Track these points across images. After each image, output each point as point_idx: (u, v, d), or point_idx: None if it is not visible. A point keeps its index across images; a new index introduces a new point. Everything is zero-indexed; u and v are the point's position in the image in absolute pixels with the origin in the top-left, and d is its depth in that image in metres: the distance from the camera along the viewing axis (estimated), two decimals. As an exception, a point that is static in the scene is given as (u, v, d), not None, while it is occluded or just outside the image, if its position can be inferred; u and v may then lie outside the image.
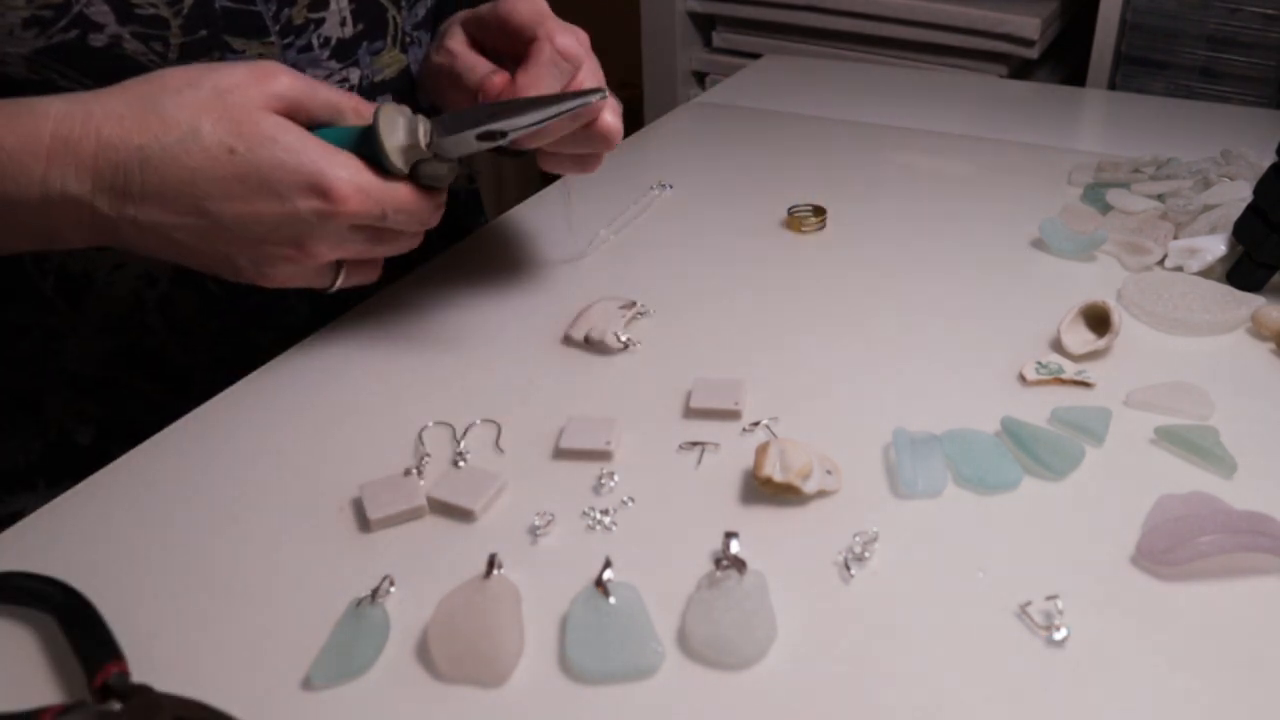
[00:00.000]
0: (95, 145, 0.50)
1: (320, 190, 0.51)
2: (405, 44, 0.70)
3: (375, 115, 0.53)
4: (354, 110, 0.55)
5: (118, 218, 0.51)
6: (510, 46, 0.61)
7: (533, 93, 0.57)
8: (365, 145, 0.53)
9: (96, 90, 0.51)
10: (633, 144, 0.96)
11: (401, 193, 0.54)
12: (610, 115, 0.60)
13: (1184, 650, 0.43)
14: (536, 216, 0.81)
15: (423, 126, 0.55)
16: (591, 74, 0.61)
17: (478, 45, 0.65)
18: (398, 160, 0.53)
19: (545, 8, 0.60)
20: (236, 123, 0.50)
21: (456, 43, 0.64)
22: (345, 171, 0.52)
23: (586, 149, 0.62)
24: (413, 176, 0.54)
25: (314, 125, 0.54)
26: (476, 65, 0.62)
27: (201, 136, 0.50)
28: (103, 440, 0.67)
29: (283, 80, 0.52)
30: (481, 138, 0.55)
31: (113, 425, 0.67)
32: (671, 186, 0.85)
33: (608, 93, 0.58)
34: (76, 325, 0.65)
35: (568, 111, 0.56)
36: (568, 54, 0.59)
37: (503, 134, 0.55)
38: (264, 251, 0.53)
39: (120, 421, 0.67)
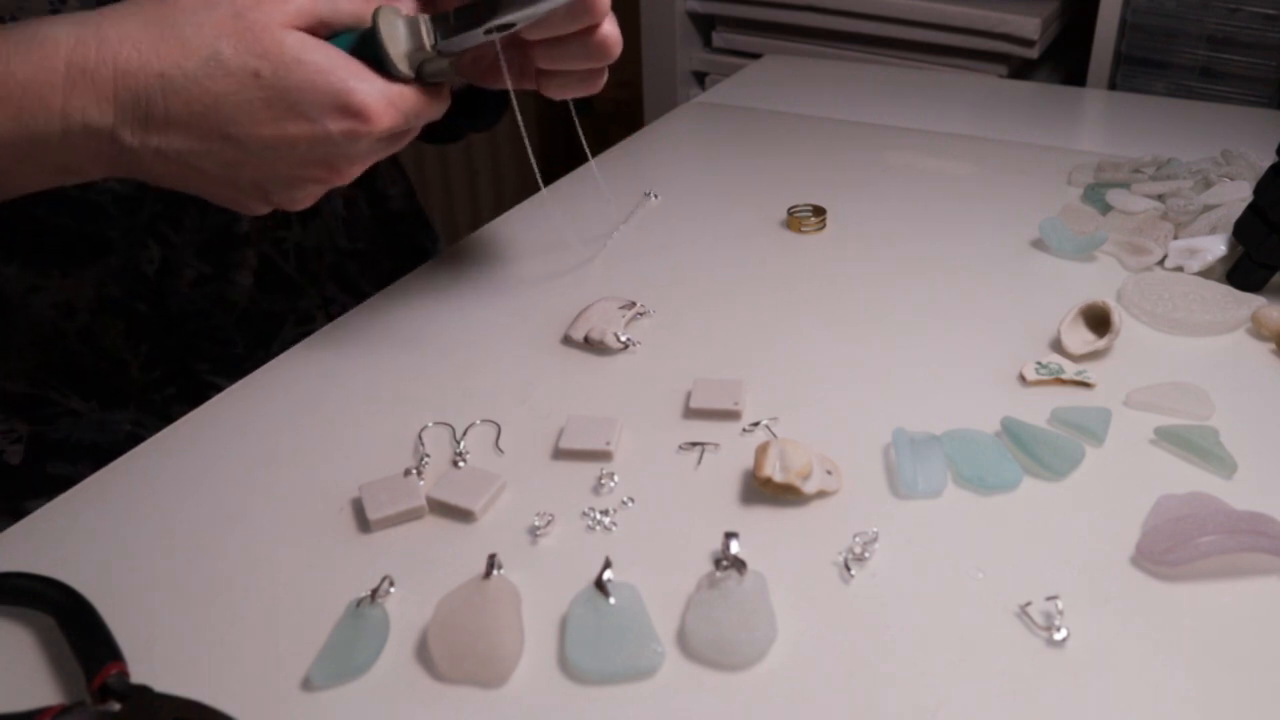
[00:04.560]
0: (113, 73, 0.48)
1: (351, 110, 0.50)
2: None
3: (374, 19, 0.51)
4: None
5: (141, 148, 0.49)
6: None
7: None
8: (365, 48, 0.51)
9: (105, 10, 0.49)
10: (632, 144, 0.96)
11: (420, 98, 0.53)
12: (609, 24, 0.57)
13: (1184, 650, 0.43)
14: (536, 216, 0.81)
15: (425, 26, 0.53)
16: (612, 27, 0.57)
17: None
18: (403, 66, 0.52)
19: None
20: (259, 44, 0.48)
21: None
22: (374, 87, 0.50)
23: (587, 63, 0.58)
24: (418, 75, 0.53)
25: (334, 35, 0.52)
26: None
27: (224, 61, 0.48)
28: (34, 459, 0.64)
29: None
30: (489, 32, 0.53)
31: (44, 443, 0.65)
32: (658, 195, 0.84)
33: None
34: (4, 339, 0.62)
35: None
36: None
37: (510, 25, 0.53)
38: (293, 175, 0.52)
39: (52, 439, 0.65)
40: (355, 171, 0.54)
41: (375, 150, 0.53)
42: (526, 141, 0.63)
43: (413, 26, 0.53)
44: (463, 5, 0.54)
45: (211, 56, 0.48)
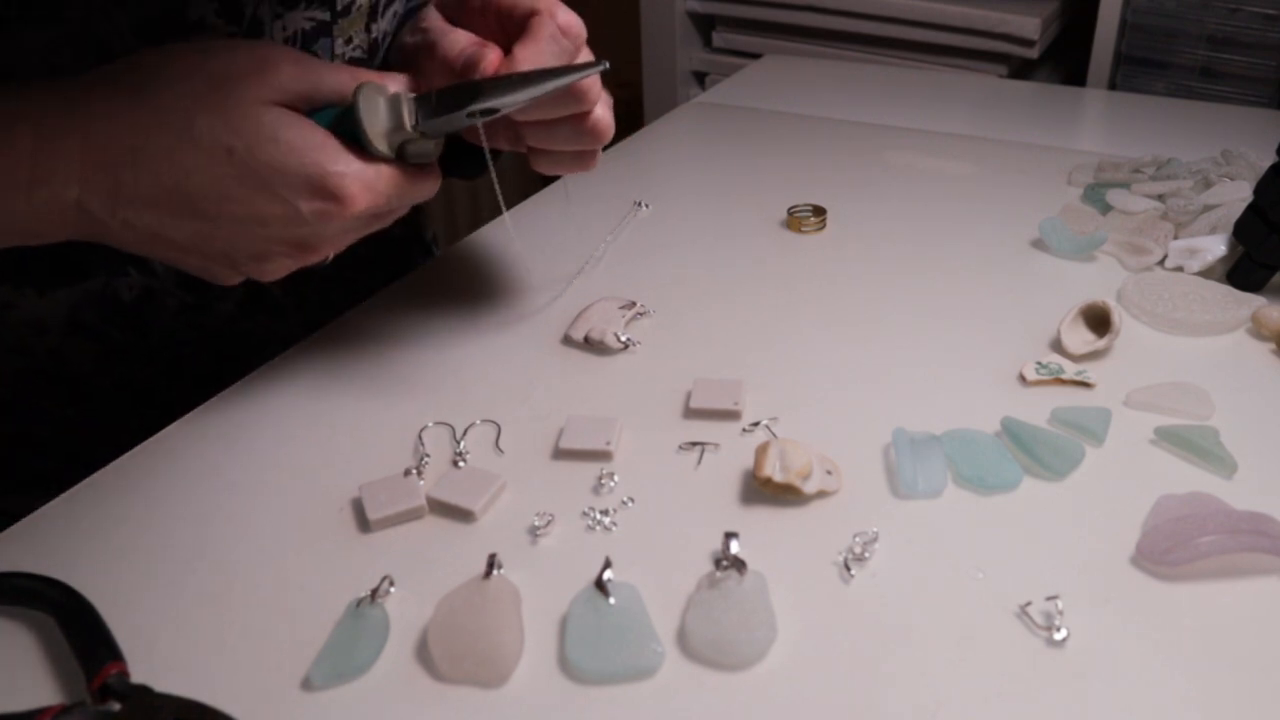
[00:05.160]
0: (82, 144, 0.46)
1: (325, 192, 0.48)
2: None
3: (355, 96, 0.50)
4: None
5: (108, 218, 0.48)
6: (496, 27, 0.57)
7: (531, 69, 0.53)
8: (344, 125, 0.50)
9: (78, 79, 0.48)
10: (632, 144, 0.96)
11: (400, 179, 0.51)
12: (602, 109, 0.57)
13: (1184, 650, 0.43)
14: (537, 216, 0.81)
15: (407, 107, 0.51)
16: (588, 59, 0.57)
17: (455, 25, 0.61)
18: (381, 146, 0.50)
19: None
20: (235, 120, 0.47)
21: (434, 20, 0.60)
22: (350, 168, 0.49)
23: (578, 146, 0.58)
24: (400, 156, 0.51)
25: (316, 110, 0.51)
26: (458, 38, 0.56)
27: (198, 136, 0.47)
28: (15, 456, 0.64)
29: (285, 71, 0.49)
30: (472, 115, 0.52)
31: (21, 442, 0.65)
32: (649, 206, 0.83)
33: (607, 65, 0.54)
34: None
35: (565, 85, 0.53)
36: (570, 31, 0.55)
37: (494, 111, 0.52)
38: (264, 250, 0.51)
39: (33, 440, 0.65)
40: (329, 250, 0.52)
41: (352, 230, 0.52)
42: (502, 203, 0.62)
43: (394, 105, 0.51)
44: (446, 86, 0.53)
45: (185, 130, 0.46)
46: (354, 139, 0.50)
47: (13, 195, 0.46)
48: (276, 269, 0.52)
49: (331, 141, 0.49)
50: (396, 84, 0.53)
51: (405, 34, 0.63)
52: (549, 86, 0.52)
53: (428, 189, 0.54)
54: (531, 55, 0.54)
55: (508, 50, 0.55)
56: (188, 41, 0.53)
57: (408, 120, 0.51)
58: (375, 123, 0.50)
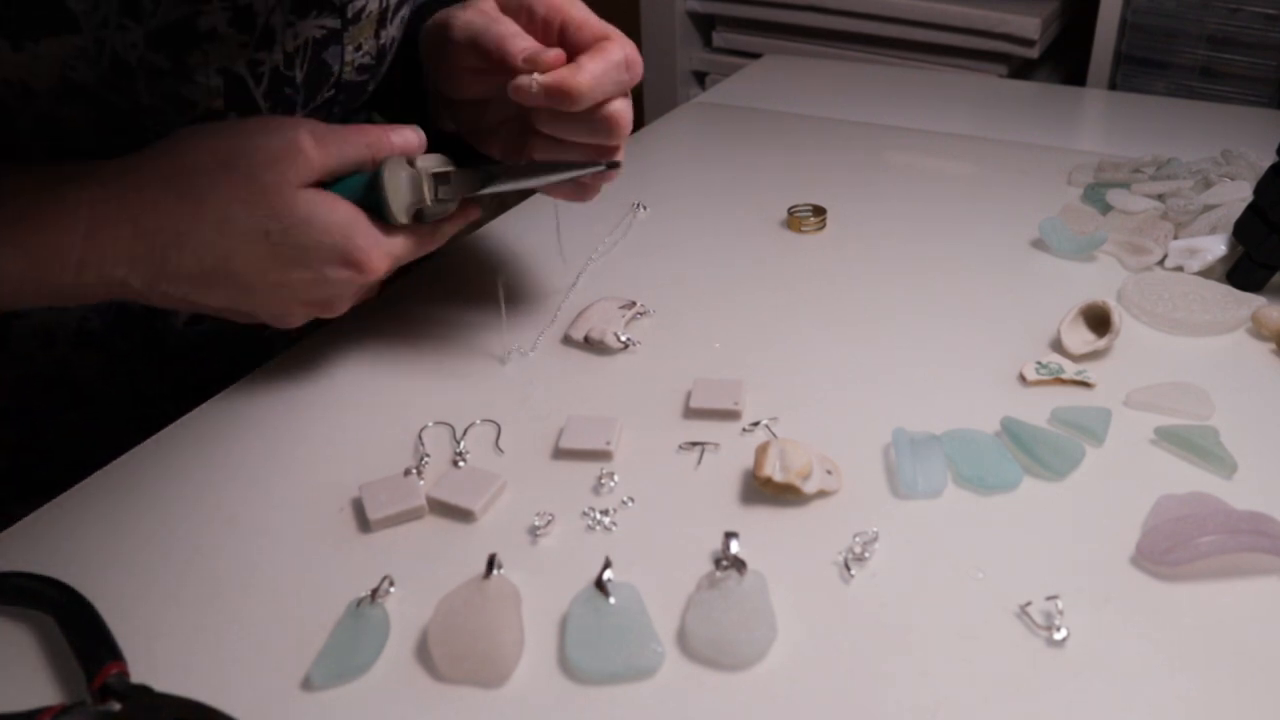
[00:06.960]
0: (132, 231, 0.51)
1: (351, 263, 0.53)
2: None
3: (380, 170, 0.54)
4: (373, 162, 0.55)
5: (148, 292, 0.53)
6: (539, 36, 0.58)
7: (589, 80, 0.54)
8: (369, 195, 0.55)
9: (126, 166, 0.52)
10: (633, 144, 0.96)
11: (413, 244, 0.56)
12: (620, 101, 0.57)
13: (1184, 650, 0.43)
14: (537, 216, 0.81)
15: (427, 183, 0.56)
16: (624, 105, 0.58)
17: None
18: (403, 218, 0.55)
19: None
20: (270, 206, 0.51)
21: (490, 5, 0.60)
22: (375, 243, 0.54)
23: (591, 139, 0.57)
24: (418, 217, 0.57)
25: (341, 179, 0.55)
26: (520, 39, 0.57)
27: (236, 222, 0.51)
28: (20, 462, 0.65)
29: (309, 152, 0.52)
30: (485, 184, 0.57)
31: (25, 449, 0.65)
32: (647, 208, 0.82)
33: (619, 166, 0.58)
34: None
35: (571, 178, 0.58)
36: (633, 67, 0.57)
37: (502, 190, 0.58)
38: (288, 309, 0.56)
39: (37, 447, 0.65)
40: (347, 306, 0.57)
41: (368, 289, 0.57)
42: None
43: (414, 182, 0.56)
44: (463, 169, 0.57)
45: (225, 218, 0.51)
46: (376, 208, 0.55)
47: (61, 273, 0.51)
48: (294, 321, 0.57)
49: (360, 218, 0.54)
50: (401, 136, 0.56)
51: (458, 13, 0.60)
52: (555, 178, 0.58)
53: (434, 245, 0.58)
54: (599, 68, 0.55)
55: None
56: (208, 117, 0.57)
57: (428, 196, 0.56)
58: (398, 199, 0.55)
